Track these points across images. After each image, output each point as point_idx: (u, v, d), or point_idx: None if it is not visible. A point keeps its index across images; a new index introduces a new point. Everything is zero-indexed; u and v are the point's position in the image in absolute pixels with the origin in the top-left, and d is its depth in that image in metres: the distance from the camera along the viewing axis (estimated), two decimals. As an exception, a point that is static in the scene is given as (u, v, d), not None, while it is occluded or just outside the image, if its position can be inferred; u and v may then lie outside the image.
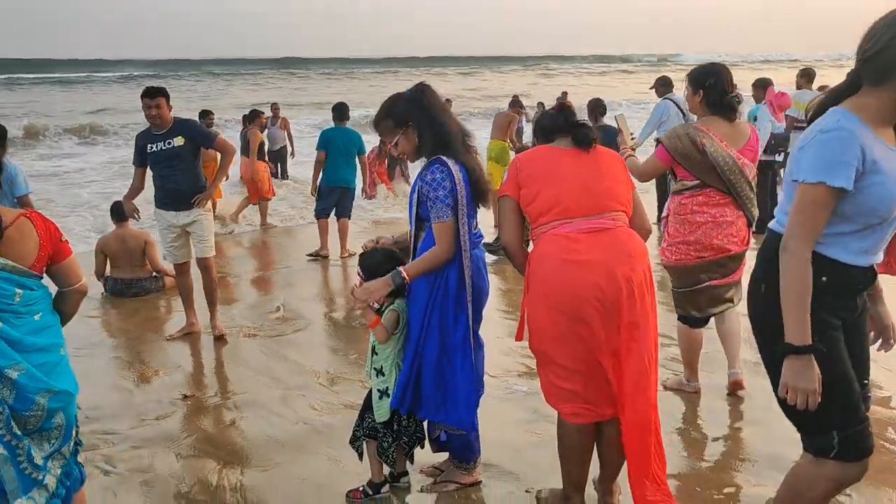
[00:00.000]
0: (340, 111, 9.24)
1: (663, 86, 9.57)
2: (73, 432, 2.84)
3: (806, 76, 10.13)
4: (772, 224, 2.54)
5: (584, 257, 3.01)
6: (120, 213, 7.48)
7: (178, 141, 5.83)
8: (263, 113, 13.58)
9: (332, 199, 9.10)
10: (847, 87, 2.44)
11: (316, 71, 57.97)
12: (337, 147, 8.98)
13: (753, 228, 4.38)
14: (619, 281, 2.98)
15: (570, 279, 3.01)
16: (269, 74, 52.61)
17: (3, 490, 2.62)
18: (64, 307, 2.88)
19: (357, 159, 9.16)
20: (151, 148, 5.87)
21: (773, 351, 2.41)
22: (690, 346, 4.62)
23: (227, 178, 11.00)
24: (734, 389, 4.62)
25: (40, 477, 2.68)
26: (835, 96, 2.47)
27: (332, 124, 9.34)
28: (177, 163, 5.84)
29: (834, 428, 2.40)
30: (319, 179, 9.05)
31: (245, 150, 11.15)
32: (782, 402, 2.44)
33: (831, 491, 2.52)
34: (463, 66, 61.48)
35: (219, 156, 6.23)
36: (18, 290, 2.66)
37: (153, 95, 5.81)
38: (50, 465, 2.72)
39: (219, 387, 5.19)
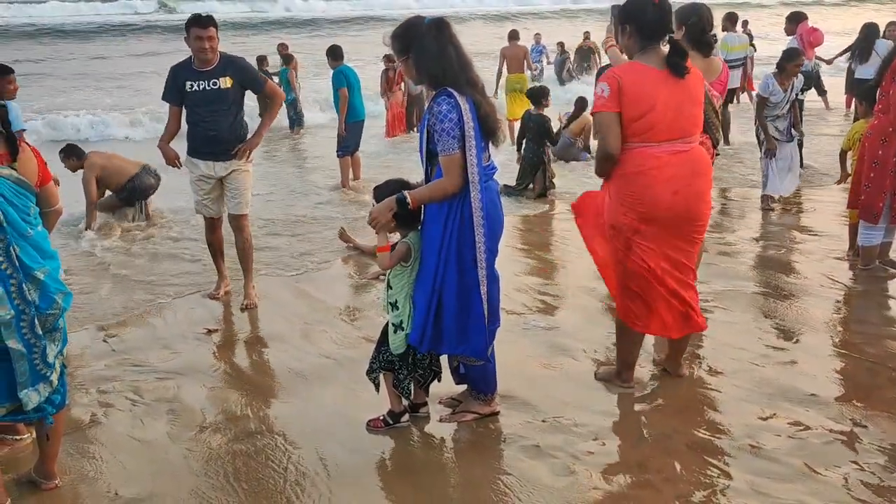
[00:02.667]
0: (338, 51, 9.41)
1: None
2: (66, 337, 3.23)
3: (730, 19, 10.56)
4: None
5: (664, 174, 3.53)
6: (79, 152, 7.65)
7: (226, 82, 5.14)
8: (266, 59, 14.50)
9: (358, 134, 9.31)
10: None
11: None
12: (352, 83, 9.17)
13: (717, 150, 4.78)
14: (689, 196, 3.58)
15: (651, 192, 3.55)
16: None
17: (11, 382, 3.00)
18: (46, 226, 3.21)
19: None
20: (192, 86, 5.14)
21: None
22: None
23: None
24: None
25: (48, 373, 3.06)
26: None
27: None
28: (220, 107, 5.18)
29: None
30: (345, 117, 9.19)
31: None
32: None
33: None
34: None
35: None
36: (32, 204, 3.06)
37: (205, 24, 5.04)
38: (56, 364, 3.10)
39: (241, 322, 5.28)
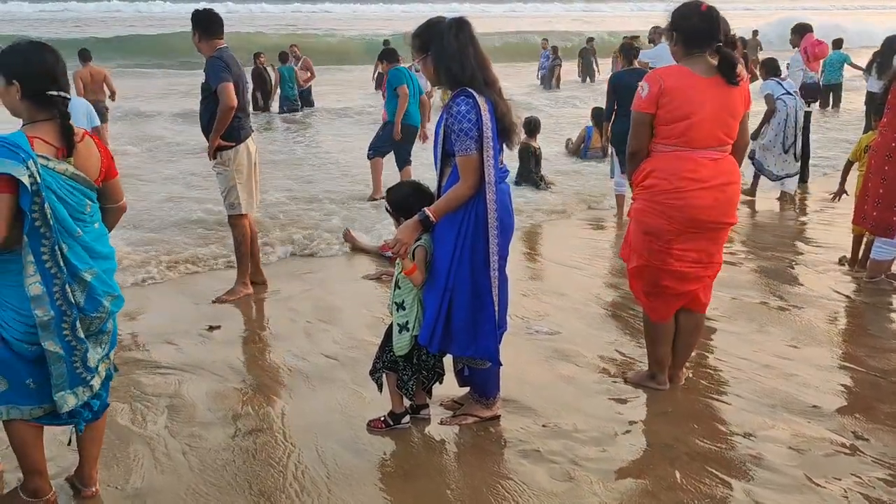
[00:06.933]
0: (394, 53, 8.87)
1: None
2: (116, 340, 3.08)
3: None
4: None
5: (702, 180, 3.59)
6: (84, 55, 11.61)
7: (205, 76, 5.37)
8: (262, 54, 16.06)
9: (392, 139, 8.51)
10: None
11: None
12: (409, 86, 8.46)
13: None
14: (724, 202, 3.66)
15: (691, 199, 3.61)
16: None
17: (46, 383, 2.84)
18: (108, 222, 3.07)
19: (418, 99, 8.68)
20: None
21: None
22: None
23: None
24: None
25: (88, 378, 2.92)
26: None
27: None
28: (202, 98, 5.41)
29: None
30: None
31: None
32: None
33: None
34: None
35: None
36: (88, 201, 2.88)
37: (191, 23, 5.37)
38: (99, 368, 2.97)
39: (244, 320, 5.28)
